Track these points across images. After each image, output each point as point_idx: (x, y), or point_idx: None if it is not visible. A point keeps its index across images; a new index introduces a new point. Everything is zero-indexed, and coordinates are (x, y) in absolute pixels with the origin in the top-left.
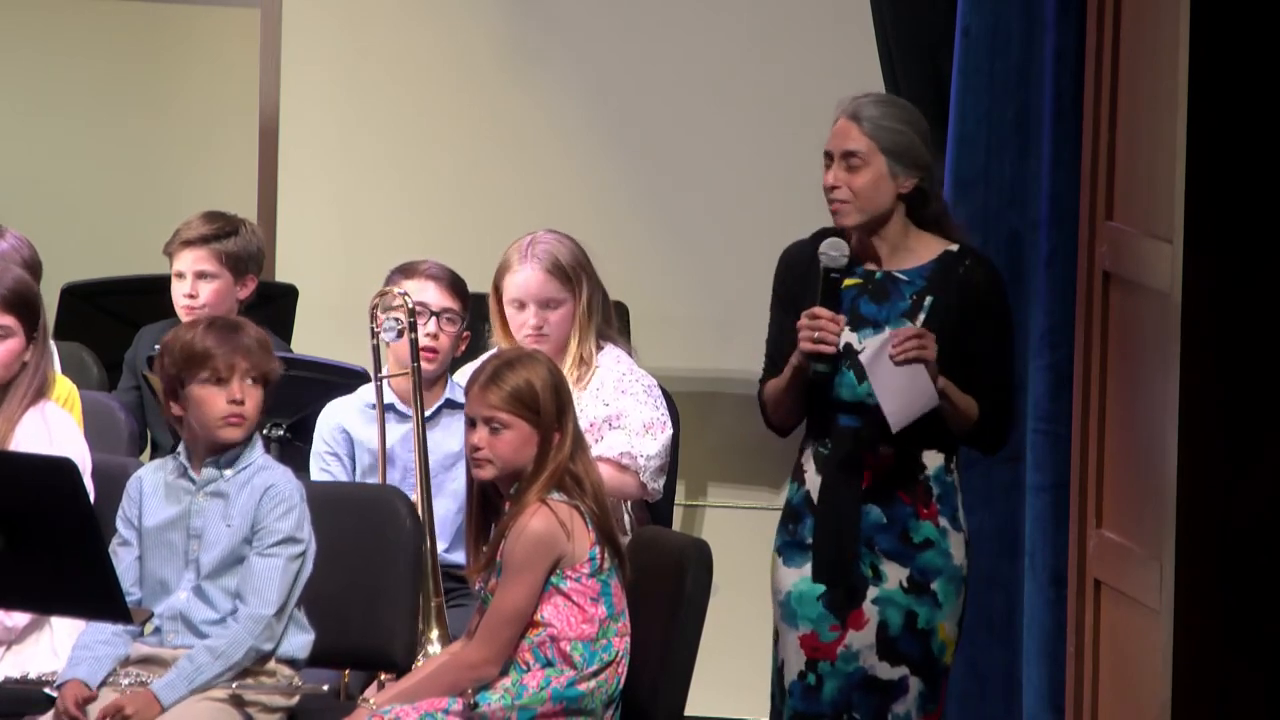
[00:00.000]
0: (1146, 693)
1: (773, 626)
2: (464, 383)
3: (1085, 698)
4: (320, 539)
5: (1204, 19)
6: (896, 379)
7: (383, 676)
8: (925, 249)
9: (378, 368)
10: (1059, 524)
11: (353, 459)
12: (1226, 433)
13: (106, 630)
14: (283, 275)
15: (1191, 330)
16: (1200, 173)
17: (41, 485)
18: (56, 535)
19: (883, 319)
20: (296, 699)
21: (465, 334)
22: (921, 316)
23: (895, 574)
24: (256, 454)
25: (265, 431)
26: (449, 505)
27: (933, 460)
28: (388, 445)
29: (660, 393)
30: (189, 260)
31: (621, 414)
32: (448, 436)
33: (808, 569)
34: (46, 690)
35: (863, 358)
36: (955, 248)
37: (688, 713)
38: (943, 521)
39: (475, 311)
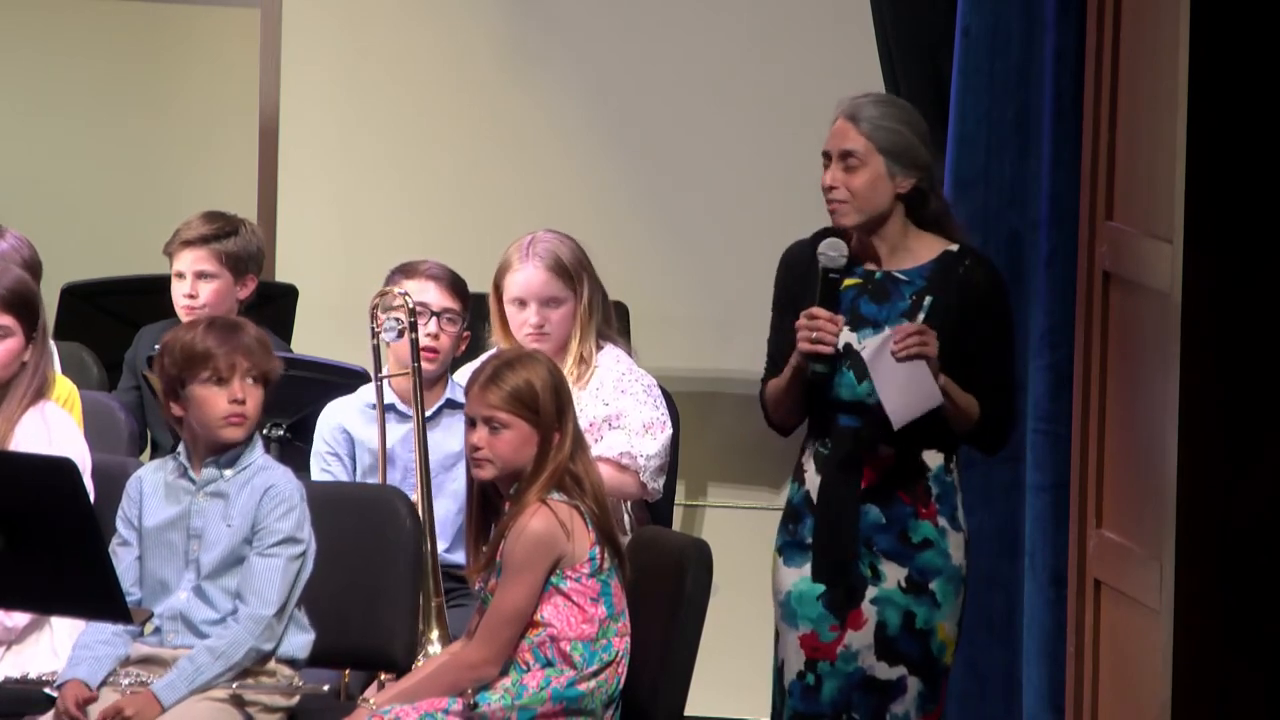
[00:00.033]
0: (1146, 693)
1: (773, 626)
2: (464, 383)
3: (1085, 698)
4: (320, 539)
5: (1204, 19)
6: (898, 376)
7: (382, 676)
8: (925, 249)
9: (378, 368)
10: (1059, 524)
11: (353, 459)
12: (1226, 433)
13: (106, 630)
14: (283, 275)
15: (1191, 330)
16: (1200, 173)
17: (41, 485)
18: (56, 535)
19: (882, 319)
20: (296, 699)
21: (465, 334)
22: (921, 316)
23: (894, 574)
24: (256, 454)
25: (265, 431)
26: (449, 505)
27: (932, 460)
28: (388, 445)
29: (660, 392)
30: (189, 260)
31: (621, 414)
32: (448, 437)
33: (808, 569)
34: (46, 690)
35: (864, 354)
36: (955, 248)
37: (688, 713)
38: (942, 521)
39: (475, 311)
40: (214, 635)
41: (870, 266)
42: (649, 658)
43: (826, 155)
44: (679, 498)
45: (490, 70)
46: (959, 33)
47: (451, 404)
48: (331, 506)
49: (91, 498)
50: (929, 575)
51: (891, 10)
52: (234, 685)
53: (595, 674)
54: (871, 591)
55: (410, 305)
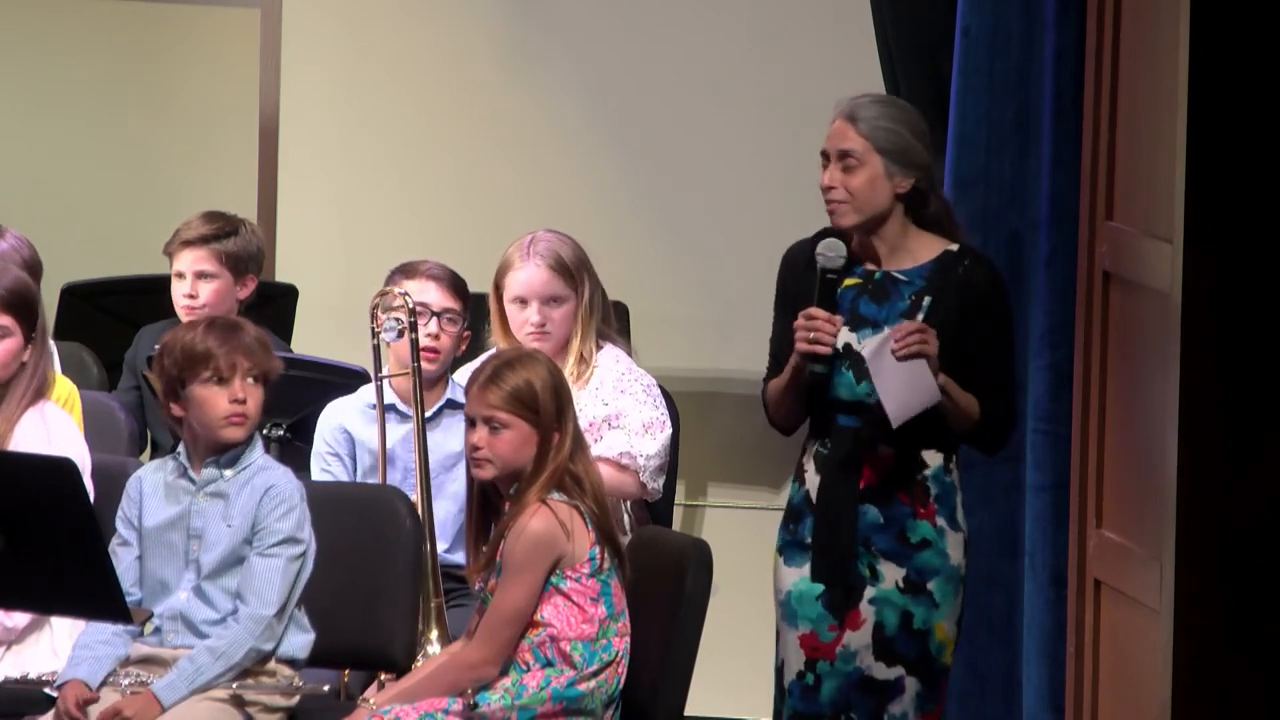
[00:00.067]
0: (1146, 693)
1: (774, 626)
2: (464, 383)
3: (1085, 698)
4: (320, 539)
5: (1204, 19)
6: (897, 375)
7: (382, 676)
8: (925, 249)
9: (378, 368)
10: (1059, 524)
11: (353, 459)
12: (1226, 433)
13: (106, 630)
14: (283, 275)
15: (1191, 330)
16: (1200, 173)
17: (41, 485)
18: (56, 535)
19: (882, 319)
20: (297, 699)
21: (466, 334)
22: (920, 317)
23: (892, 574)
24: (257, 454)
25: (265, 431)
26: (450, 505)
27: (932, 460)
28: (389, 445)
29: (659, 392)
30: (189, 260)
31: (621, 414)
32: (449, 437)
33: (808, 569)
34: (46, 690)
35: (864, 353)
36: (955, 248)
37: (688, 713)
38: (940, 521)
39: (475, 312)
40: (214, 635)
41: (870, 267)
42: (649, 658)
43: (825, 155)
44: (679, 498)
45: (490, 70)
46: (959, 33)
47: (452, 404)
48: (331, 506)
49: (91, 498)
50: (927, 575)
51: (891, 10)
52: (234, 685)
53: (595, 674)
54: (870, 592)
55: (410, 305)
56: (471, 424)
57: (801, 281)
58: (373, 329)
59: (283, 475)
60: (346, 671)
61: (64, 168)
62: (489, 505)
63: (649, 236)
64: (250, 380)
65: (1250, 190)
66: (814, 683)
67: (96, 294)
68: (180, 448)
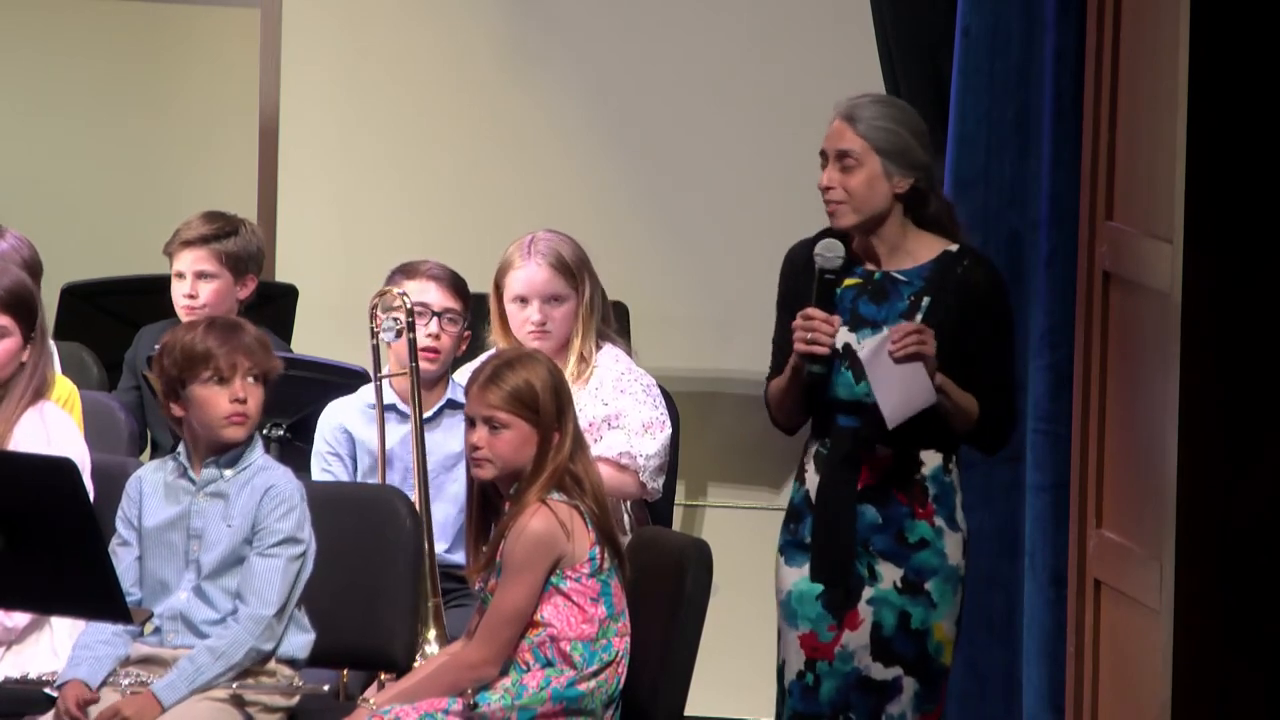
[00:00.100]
0: (1146, 693)
1: (774, 626)
2: (464, 383)
3: (1085, 698)
4: (320, 539)
5: (1204, 19)
6: (894, 375)
7: (382, 676)
8: (925, 249)
9: (377, 368)
10: (1059, 524)
11: (354, 459)
12: (1226, 433)
13: (106, 630)
14: (283, 275)
15: (1191, 330)
16: (1200, 173)
17: (41, 485)
18: (56, 535)
19: (881, 319)
20: (297, 699)
21: (466, 334)
22: (919, 317)
23: (890, 574)
24: (257, 454)
25: (265, 431)
26: (450, 506)
27: (930, 460)
28: (390, 445)
29: (659, 392)
30: (189, 260)
31: (620, 413)
32: (449, 437)
33: (808, 569)
34: (46, 690)
35: (861, 354)
36: (955, 248)
37: (688, 713)
38: (938, 521)
39: (475, 312)
40: (214, 635)
41: (870, 267)
42: (649, 658)
43: (824, 155)
44: (679, 498)
45: (490, 70)
46: (959, 33)
47: (452, 404)
48: (331, 506)
49: (91, 498)
50: (925, 575)
51: (891, 10)
52: (234, 685)
53: (595, 674)
54: (868, 592)
55: (408, 305)
56: (471, 424)
57: (802, 281)
58: (372, 329)
59: (283, 475)
60: (345, 671)
61: (64, 168)
62: (489, 505)
63: (649, 236)
64: (251, 380)
65: (1250, 190)
66: (813, 683)
67: (96, 294)
68: (180, 448)
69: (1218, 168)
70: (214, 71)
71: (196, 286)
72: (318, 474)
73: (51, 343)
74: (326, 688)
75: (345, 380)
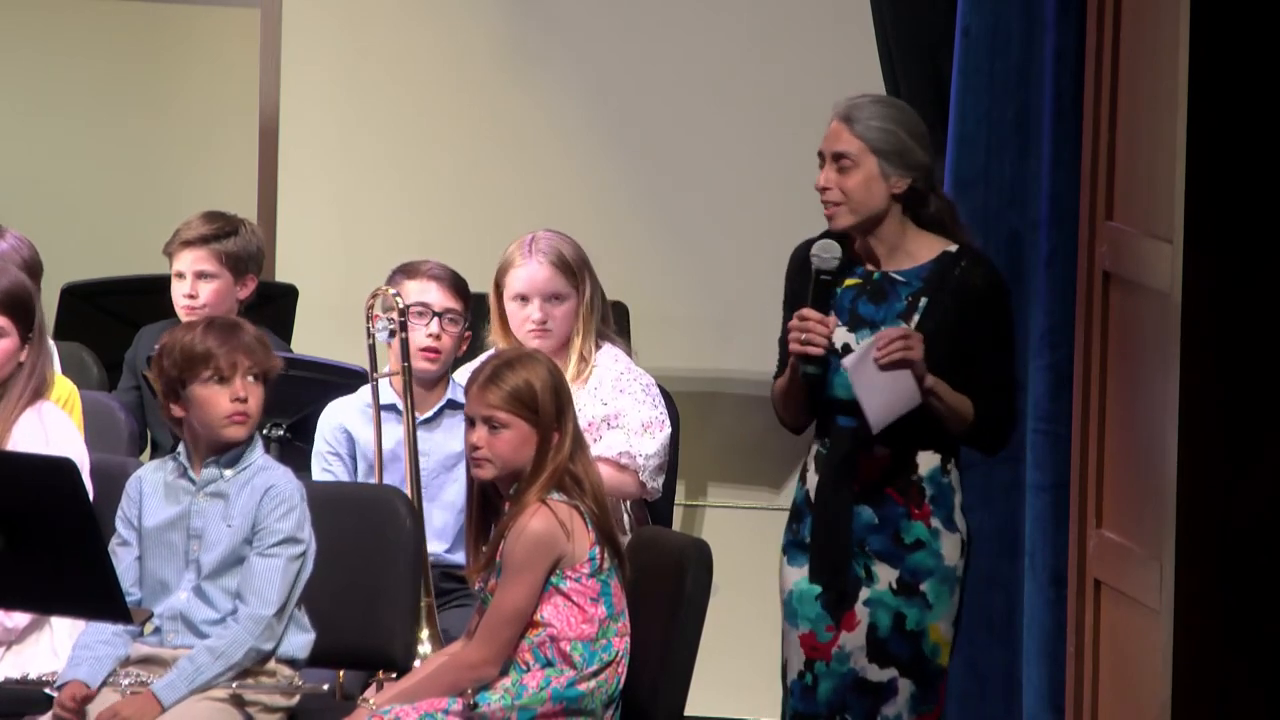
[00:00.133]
0: (1146, 693)
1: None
2: (464, 383)
3: (1085, 698)
4: (320, 539)
5: (1204, 19)
6: (878, 380)
7: (380, 676)
8: (924, 250)
9: (374, 367)
10: (1059, 524)
11: (354, 459)
12: (1226, 433)
13: (106, 630)
14: (283, 275)
15: (1191, 330)
16: (1200, 173)
17: (41, 485)
18: (56, 535)
19: (880, 320)
20: (297, 699)
21: (467, 334)
22: (917, 318)
23: (886, 575)
24: (257, 454)
25: (265, 431)
26: (451, 506)
27: (927, 461)
28: (390, 445)
29: (658, 391)
30: (189, 260)
31: (620, 413)
32: (450, 437)
33: (808, 568)
34: (46, 690)
35: (845, 361)
36: (954, 248)
37: (688, 713)
38: (935, 522)
39: (475, 311)
40: (214, 635)
41: (869, 267)
42: (649, 658)
43: (821, 156)
44: (679, 498)
45: (490, 70)
46: (959, 33)
47: (453, 404)
48: (331, 506)
49: (90, 498)
50: (920, 576)
51: (891, 10)
52: (234, 685)
53: (595, 674)
54: (865, 593)
55: (400, 305)
56: (471, 424)
57: (804, 281)
58: (368, 329)
59: (283, 475)
60: (342, 672)
61: (64, 168)
62: (489, 505)
63: (649, 236)
64: (251, 379)
65: (1250, 190)
66: (812, 683)
67: (96, 294)
68: (180, 448)
69: (1218, 168)
70: (214, 71)
71: (196, 286)
72: (318, 474)
73: (51, 343)
74: (326, 687)
75: (345, 380)
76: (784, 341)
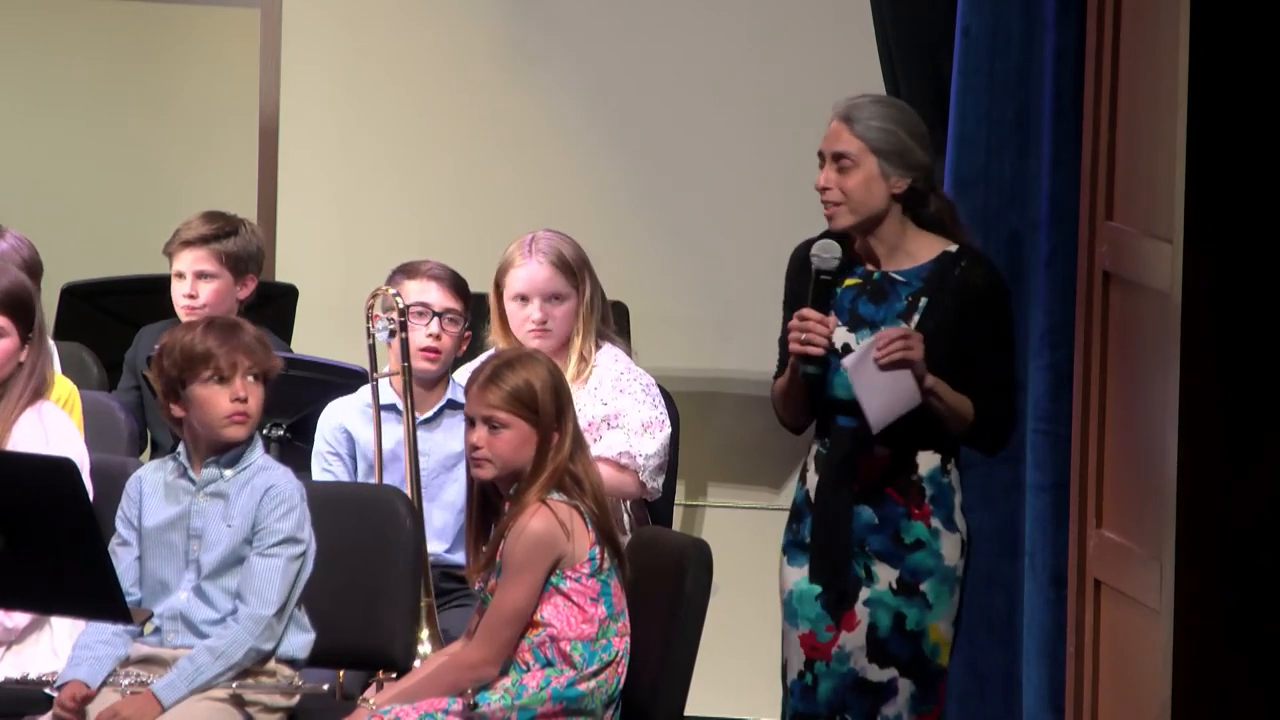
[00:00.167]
0: (1146, 693)
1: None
2: (464, 383)
3: (1085, 698)
4: (320, 539)
5: (1204, 19)
6: (878, 380)
7: (380, 676)
8: (924, 250)
9: (374, 367)
10: (1059, 524)
11: (354, 459)
12: (1226, 433)
13: (106, 630)
14: (283, 275)
15: (1191, 330)
16: (1200, 173)
17: (41, 485)
18: (56, 535)
19: (880, 320)
20: (297, 699)
21: (467, 334)
22: (916, 318)
23: (886, 575)
24: (257, 454)
25: (265, 431)
26: (451, 506)
27: (927, 461)
28: (391, 445)
29: (658, 391)
30: (189, 260)
31: (620, 413)
32: (450, 437)
33: (808, 569)
34: (46, 690)
35: (845, 361)
36: (954, 248)
37: (688, 713)
38: (935, 522)
39: (476, 312)
40: (214, 635)
41: (869, 267)
42: (649, 658)
43: (821, 156)
44: (679, 498)
45: (490, 70)
46: (959, 33)
47: (453, 404)
48: (331, 506)
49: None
50: (920, 576)
51: (891, 10)
52: (234, 685)
53: (595, 674)
54: (865, 593)
55: (400, 305)
56: (471, 424)
57: (805, 281)
58: (368, 329)
59: (283, 475)
60: (341, 672)
61: (64, 168)
62: (489, 505)
63: (649, 236)
64: (251, 379)
65: (1250, 190)
66: (812, 683)
67: (96, 294)
68: (180, 448)
69: (1218, 168)
70: (214, 71)
71: (196, 286)
72: (318, 474)
73: (51, 343)
74: (326, 687)
75: (345, 380)
76: (784, 341)
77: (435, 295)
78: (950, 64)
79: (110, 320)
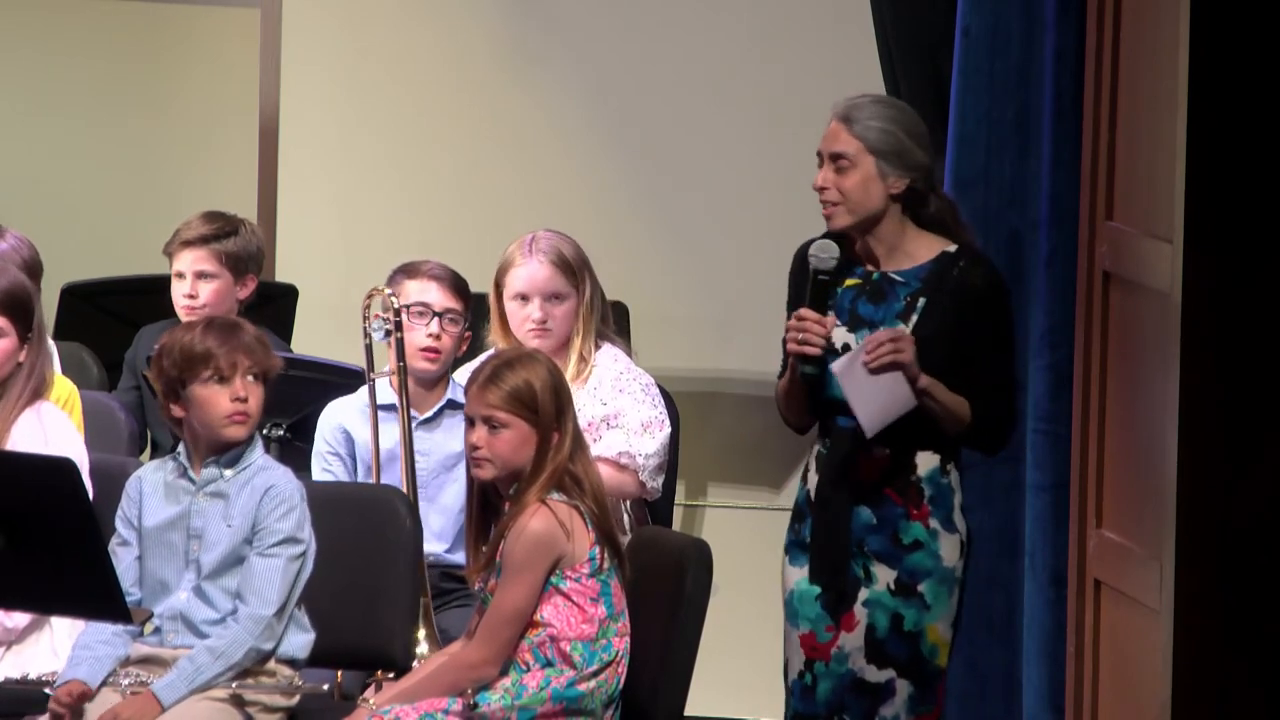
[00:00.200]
0: (1146, 693)
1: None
2: (464, 383)
3: (1085, 698)
4: (320, 539)
5: (1204, 19)
6: (869, 384)
7: (379, 676)
8: (923, 250)
9: (370, 367)
10: (1059, 524)
11: (354, 459)
12: (1226, 433)
13: (106, 630)
14: (283, 275)
15: (1191, 330)
16: (1200, 173)
17: (41, 485)
18: (56, 535)
19: (879, 320)
20: (296, 699)
21: (467, 334)
22: (914, 318)
23: (884, 576)
24: (257, 454)
25: (265, 431)
26: (450, 506)
27: (927, 461)
28: (390, 445)
29: (658, 391)
30: (189, 260)
31: (619, 413)
32: (450, 437)
33: (808, 569)
34: (46, 690)
35: (834, 366)
36: (953, 249)
37: (688, 713)
38: (933, 523)
39: (476, 312)
40: (214, 635)
41: (869, 268)
42: (649, 658)
43: (820, 156)
44: (679, 498)
45: (490, 70)
46: (959, 33)
47: (453, 404)
48: (331, 506)
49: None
50: (918, 577)
51: (891, 10)
52: (234, 685)
53: (595, 674)
54: (863, 594)
55: (394, 305)
56: (471, 424)
57: (806, 282)
58: (365, 329)
59: (283, 475)
60: (340, 672)
61: (64, 168)
62: (489, 505)
63: (649, 236)
64: (251, 378)
65: (1250, 190)
66: (811, 683)
67: (96, 294)
68: (180, 448)
69: (1218, 168)
70: (214, 71)
71: (196, 286)
72: (318, 474)
73: (51, 343)
74: (326, 687)
75: (345, 380)
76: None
77: (435, 295)
78: (950, 64)
79: (110, 320)
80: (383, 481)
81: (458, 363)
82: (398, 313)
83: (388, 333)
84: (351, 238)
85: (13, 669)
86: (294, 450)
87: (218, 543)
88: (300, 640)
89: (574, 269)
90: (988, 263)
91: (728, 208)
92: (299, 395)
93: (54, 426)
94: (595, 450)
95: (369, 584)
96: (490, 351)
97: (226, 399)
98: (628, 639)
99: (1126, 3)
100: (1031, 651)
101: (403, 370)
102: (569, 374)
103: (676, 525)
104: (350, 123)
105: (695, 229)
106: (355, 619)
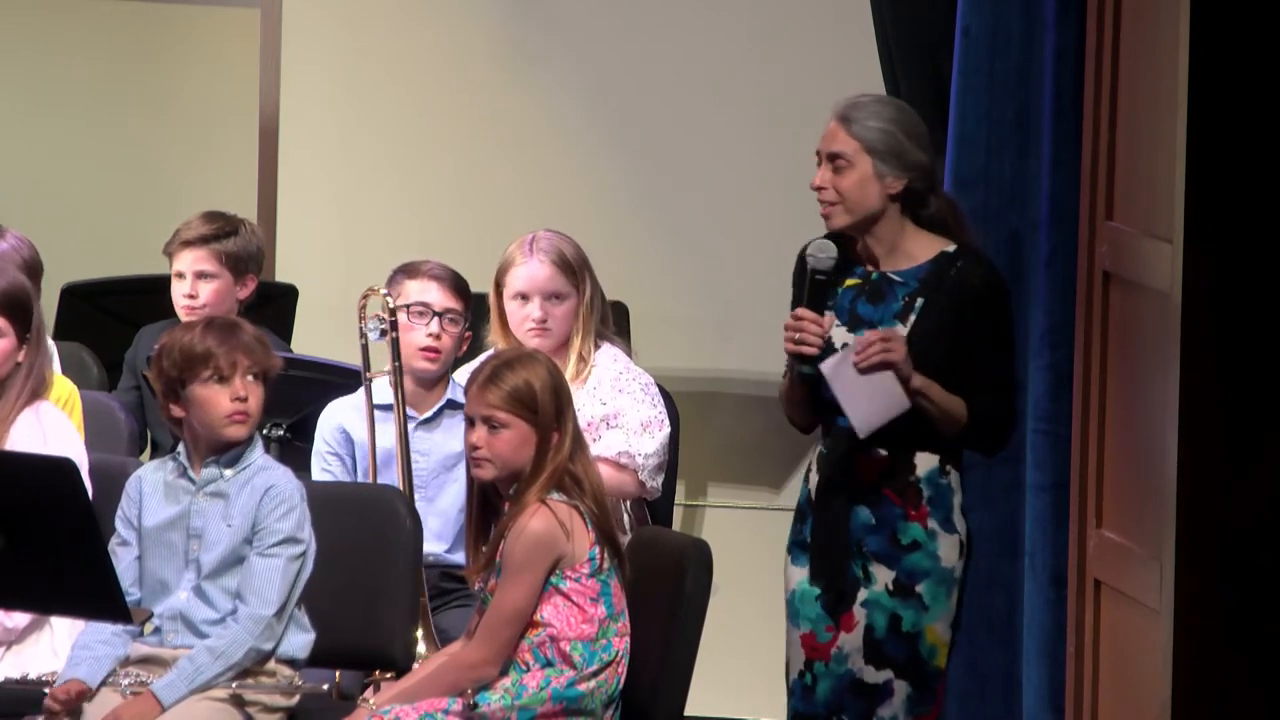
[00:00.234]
0: (1146, 693)
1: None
2: (464, 383)
3: (1085, 698)
4: (320, 539)
5: (1204, 19)
6: (860, 385)
7: (377, 676)
8: (922, 250)
9: (367, 367)
10: (1059, 524)
11: (353, 459)
12: (1226, 433)
13: (106, 630)
14: (283, 275)
15: (1191, 330)
16: (1200, 173)
17: (41, 485)
18: (56, 535)
19: (878, 320)
20: (296, 699)
21: (467, 334)
22: (913, 318)
23: (883, 576)
24: (257, 454)
25: (265, 431)
26: (450, 506)
27: (925, 462)
28: (389, 445)
29: (657, 390)
30: (189, 260)
31: (619, 413)
32: (449, 437)
33: (809, 569)
34: (46, 690)
35: (822, 366)
36: (952, 249)
37: (688, 713)
38: (932, 524)
39: (476, 312)
40: (214, 635)
41: (868, 268)
42: (649, 658)
43: (819, 156)
44: (679, 498)
45: (490, 70)
46: (959, 33)
47: (453, 404)
48: (331, 506)
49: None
50: (916, 578)
51: (891, 10)
52: (234, 685)
53: (595, 674)
54: (862, 594)
55: (390, 305)
56: (471, 424)
57: (804, 282)
58: (360, 329)
59: (283, 475)
60: (338, 672)
61: (64, 168)
62: (489, 505)
63: (649, 236)
64: (251, 378)
65: (1250, 190)
66: (811, 683)
67: (96, 294)
68: (180, 448)
69: (1218, 168)
70: (214, 71)
71: (196, 286)
72: (317, 474)
73: (51, 343)
74: (326, 687)
75: (344, 380)
76: None
77: (435, 295)
78: (950, 64)
79: (110, 320)
80: (381, 481)
81: (458, 363)
82: (393, 313)
83: (383, 333)
84: (351, 238)
85: (13, 669)
86: (294, 450)
87: (218, 543)
88: (300, 640)
89: (574, 269)
90: (986, 262)
91: (728, 208)
92: (299, 395)
93: (53, 426)
94: (595, 450)
95: (369, 584)
96: (490, 351)
97: (226, 399)
98: (628, 639)
99: (1126, 3)
100: (1031, 651)
101: (398, 370)
102: (568, 374)
103: (676, 525)
104: (350, 123)
105: (695, 229)
106: (355, 619)
